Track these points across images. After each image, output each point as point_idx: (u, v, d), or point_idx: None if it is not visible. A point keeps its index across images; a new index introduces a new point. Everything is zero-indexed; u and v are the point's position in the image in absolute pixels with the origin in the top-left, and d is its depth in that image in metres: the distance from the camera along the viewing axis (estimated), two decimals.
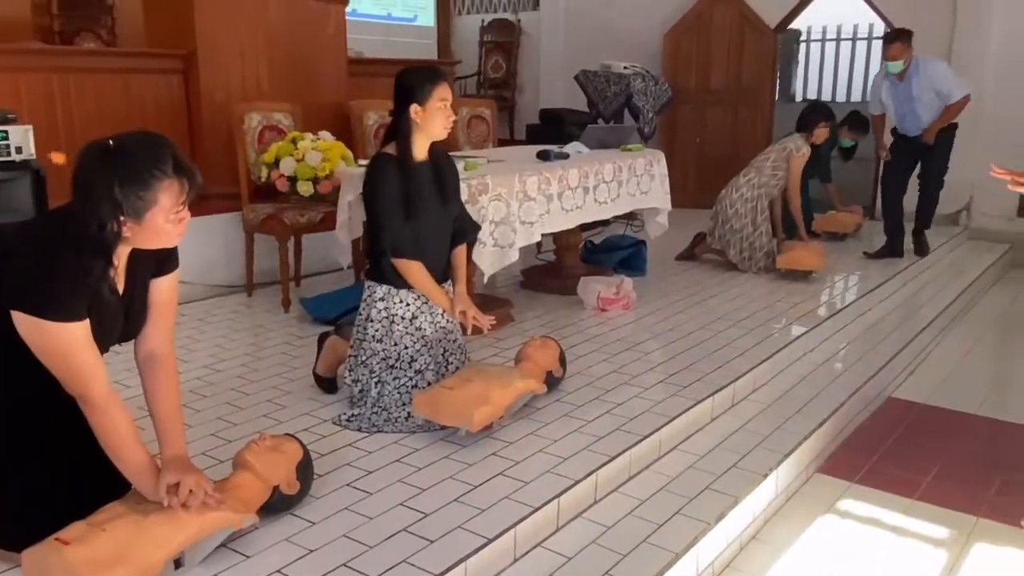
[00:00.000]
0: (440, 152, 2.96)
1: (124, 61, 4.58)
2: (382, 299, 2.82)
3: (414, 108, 2.77)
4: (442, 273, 2.93)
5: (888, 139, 5.67)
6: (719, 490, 2.58)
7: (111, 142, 1.75)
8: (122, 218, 1.74)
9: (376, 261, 2.85)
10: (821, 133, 5.07)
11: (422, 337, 2.83)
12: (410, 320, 2.83)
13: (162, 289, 1.99)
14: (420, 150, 2.85)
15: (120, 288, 1.89)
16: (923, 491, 2.98)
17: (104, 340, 1.88)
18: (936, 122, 5.29)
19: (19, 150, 3.26)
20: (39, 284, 1.72)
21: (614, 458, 2.56)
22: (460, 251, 3.03)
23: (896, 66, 5.20)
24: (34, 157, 3.32)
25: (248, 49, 4.74)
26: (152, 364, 2.00)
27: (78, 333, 1.76)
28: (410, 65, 2.95)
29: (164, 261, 1.96)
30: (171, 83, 4.60)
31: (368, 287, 2.88)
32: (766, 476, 2.70)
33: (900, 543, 2.68)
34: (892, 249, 5.52)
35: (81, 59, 4.54)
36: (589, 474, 2.46)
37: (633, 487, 2.59)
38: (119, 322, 1.92)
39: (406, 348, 2.79)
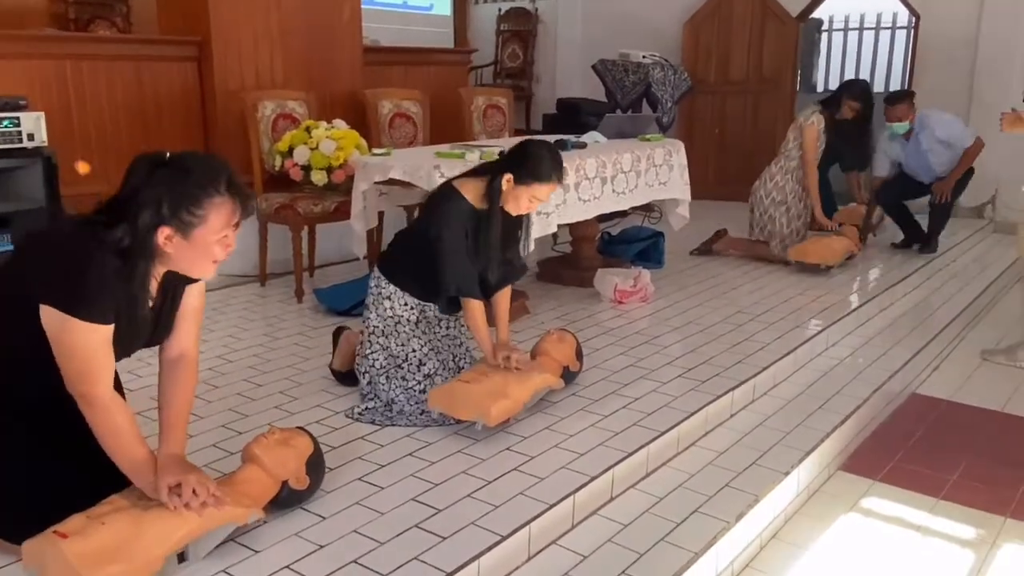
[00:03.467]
0: None
1: (137, 48, 4.55)
2: (388, 298, 2.79)
3: (507, 178, 2.67)
4: (456, 308, 2.86)
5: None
6: (739, 488, 2.52)
7: (167, 155, 1.72)
8: (167, 232, 1.70)
9: (392, 256, 2.81)
10: (846, 111, 4.88)
11: (429, 341, 2.79)
12: (415, 324, 2.79)
13: (194, 294, 1.97)
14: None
15: (152, 300, 1.86)
16: (948, 490, 2.90)
17: (130, 346, 1.85)
18: (954, 173, 5.19)
19: (31, 137, 3.23)
20: (75, 283, 1.69)
21: (631, 454, 2.50)
22: (505, 295, 2.89)
23: (902, 127, 5.12)
24: (46, 144, 3.29)
25: (262, 37, 4.70)
26: (179, 365, 1.98)
27: (102, 335, 1.73)
28: (542, 143, 2.81)
29: None
30: (185, 71, 4.57)
31: (376, 279, 2.82)
32: (787, 474, 2.63)
33: (925, 543, 2.61)
34: (915, 237, 5.44)
35: (94, 46, 4.50)
36: (606, 470, 2.40)
37: (650, 484, 2.53)
38: (147, 330, 1.90)
39: (414, 351, 2.75)
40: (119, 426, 1.79)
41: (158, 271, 1.82)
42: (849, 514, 2.75)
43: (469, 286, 2.70)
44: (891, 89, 8.69)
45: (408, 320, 2.79)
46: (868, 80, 8.91)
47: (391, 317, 2.78)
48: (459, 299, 2.75)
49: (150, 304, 1.85)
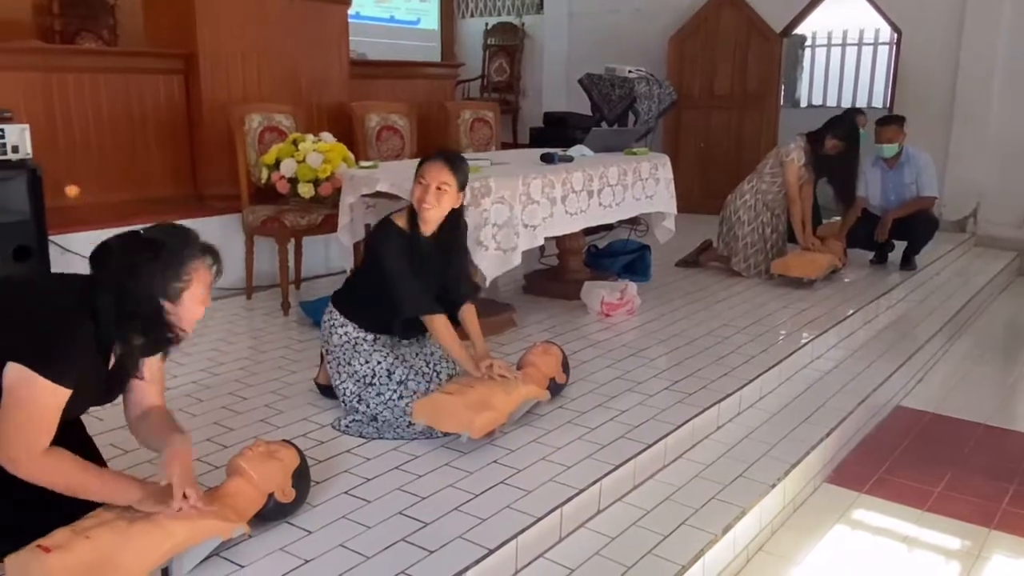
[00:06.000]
0: (450, 222, 2.82)
1: (124, 61, 4.54)
2: (343, 326, 2.80)
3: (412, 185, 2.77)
4: (409, 332, 2.89)
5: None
6: (726, 500, 2.52)
7: (141, 231, 1.83)
8: (162, 301, 1.80)
9: (345, 293, 2.86)
10: (833, 145, 4.87)
11: (392, 351, 2.78)
12: (372, 341, 2.79)
13: (155, 362, 2.02)
14: (426, 225, 2.77)
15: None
16: (934, 502, 2.91)
17: (77, 408, 1.86)
18: (895, 213, 5.23)
19: (15, 149, 3.21)
20: (55, 346, 1.74)
21: (618, 467, 2.50)
22: (470, 312, 2.89)
23: (891, 149, 5.17)
24: (31, 156, 3.27)
25: (249, 50, 4.70)
26: (147, 417, 2.01)
27: (60, 399, 1.75)
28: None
29: None
30: (171, 84, 4.56)
31: (328, 313, 2.85)
32: (774, 486, 2.64)
33: (912, 555, 2.62)
34: (884, 255, 5.52)
35: (80, 59, 4.50)
36: (593, 483, 2.40)
37: (638, 497, 2.53)
38: (97, 394, 1.93)
39: (379, 363, 2.73)
40: (61, 471, 1.76)
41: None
42: (835, 526, 2.76)
43: (425, 304, 2.71)
44: (873, 105, 8.83)
45: (365, 339, 2.79)
46: (849, 96, 9.05)
47: (348, 342, 2.78)
48: (415, 321, 2.75)
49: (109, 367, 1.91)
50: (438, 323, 2.72)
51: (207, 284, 1.87)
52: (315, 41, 5.03)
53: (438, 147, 2.89)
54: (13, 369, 1.70)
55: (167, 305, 1.81)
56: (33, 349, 1.71)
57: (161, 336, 1.85)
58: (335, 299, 2.89)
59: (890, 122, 5.22)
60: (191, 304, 1.84)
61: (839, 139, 4.88)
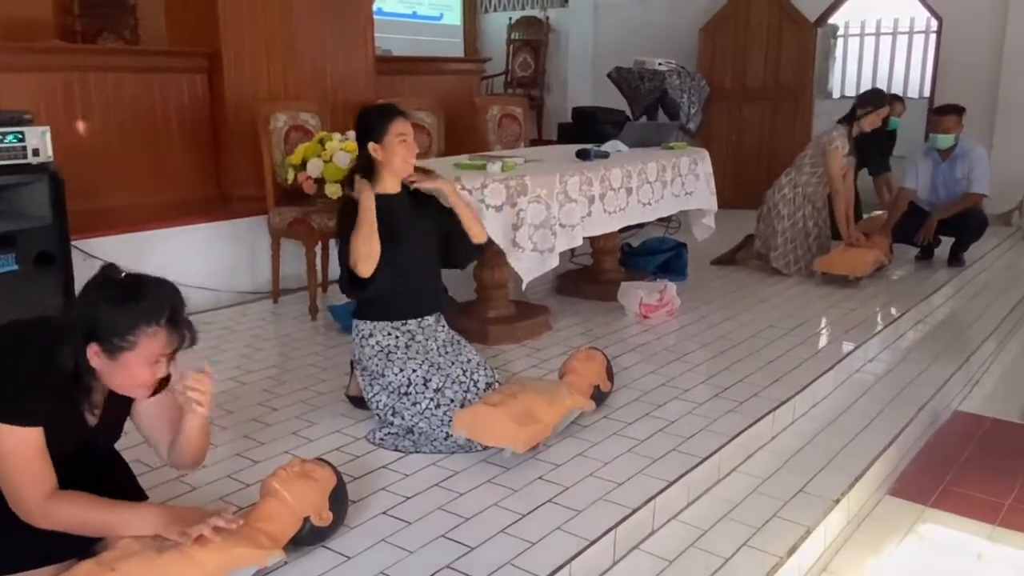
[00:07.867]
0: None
1: (146, 60, 4.43)
2: (371, 335, 2.72)
3: (372, 146, 2.71)
4: (429, 304, 2.85)
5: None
6: (788, 518, 2.36)
7: (124, 275, 1.69)
8: (95, 348, 1.65)
9: (360, 300, 2.78)
10: (869, 120, 4.73)
11: (426, 359, 2.65)
12: (405, 348, 2.69)
13: (156, 402, 1.87)
14: (390, 185, 2.75)
15: (95, 419, 1.80)
16: (1005, 515, 2.73)
17: (69, 443, 1.75)
18: (940, 215, 4.99)
19: (36, 152, 3.09)
20: (5, 388, 1.64)
21: (672, 483, 2.35)
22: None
23: (947, 140, 4.91)
24: (51, 160, 3.15)
25: (273, 47, 4.58)
26: (176, 441, 1.91)
27: (32, 440, 1.64)
28: (369, 105, 2.92)
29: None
30: (195, 83, 4.45)
31: (356, 326, 2.77)
32: (838, 501, 2.47)
33: (987, 574, 2.44)
34: (930, 251, 5.28)
35: (102, 58, 4.39)
36: (646, 502, 2.25)
37: (693, 515, 2.37)
38: (85, 436, 1.81)
39: (414, 371, 2.60)
40: (73, 515, 1.68)
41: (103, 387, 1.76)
42: (903, 543, 2.59)
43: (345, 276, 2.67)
44: (909, 95, 8.57)
45: (397, 347, 2.70)
46: (884, 87, 8.80)
47: (380, 352, 2.69)
48: (407, 297, 2.76)
49: (95, 416, 1.80)
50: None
51: (159, 352, 1.67)
52: (340, 37, 4.90)
53: (367, 106, 2.88)
54: None
55: (103, 357, 1.64)
56: None
57: (80, 382, 1.68)
58: (355, 312, 2.82)
59: (949, 112, 4.96)
60: (135, 366, 1.66)
61: (872, 106, 4.73)
